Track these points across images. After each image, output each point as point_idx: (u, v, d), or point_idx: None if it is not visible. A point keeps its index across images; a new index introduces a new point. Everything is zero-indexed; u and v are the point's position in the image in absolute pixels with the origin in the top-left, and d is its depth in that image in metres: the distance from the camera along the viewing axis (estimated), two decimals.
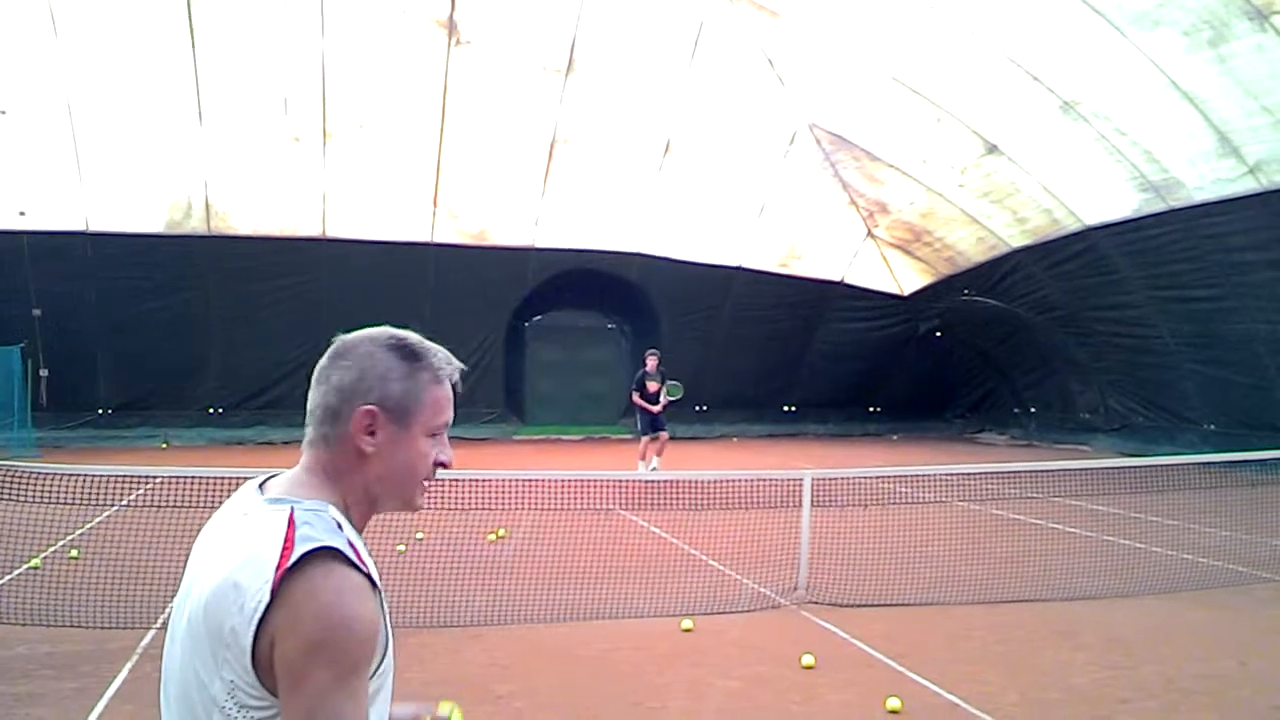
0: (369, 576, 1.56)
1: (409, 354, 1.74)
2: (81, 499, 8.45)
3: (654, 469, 15.23)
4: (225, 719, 1.52)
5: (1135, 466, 12.59)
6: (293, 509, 1.59)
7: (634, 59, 18.13)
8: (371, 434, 1.69)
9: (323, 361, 1.73)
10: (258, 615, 1.48)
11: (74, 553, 9.13)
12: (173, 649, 1.64)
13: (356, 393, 1.69)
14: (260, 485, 1.72)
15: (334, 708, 1.48)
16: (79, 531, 9.92)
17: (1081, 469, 13.14)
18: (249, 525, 1.61)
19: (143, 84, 17.05)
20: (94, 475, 8.57)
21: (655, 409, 15.77)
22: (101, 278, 19.45)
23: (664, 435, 15.94)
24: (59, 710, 5.46)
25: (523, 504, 9.79)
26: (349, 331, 1.78)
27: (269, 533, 1.55)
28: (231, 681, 1.51)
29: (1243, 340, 17.29)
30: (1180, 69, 14.13)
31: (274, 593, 1.48)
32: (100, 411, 20.77)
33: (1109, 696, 5.85)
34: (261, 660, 1.49)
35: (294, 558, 1.50)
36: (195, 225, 19.59)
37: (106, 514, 10.04)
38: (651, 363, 16.06)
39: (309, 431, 1.72)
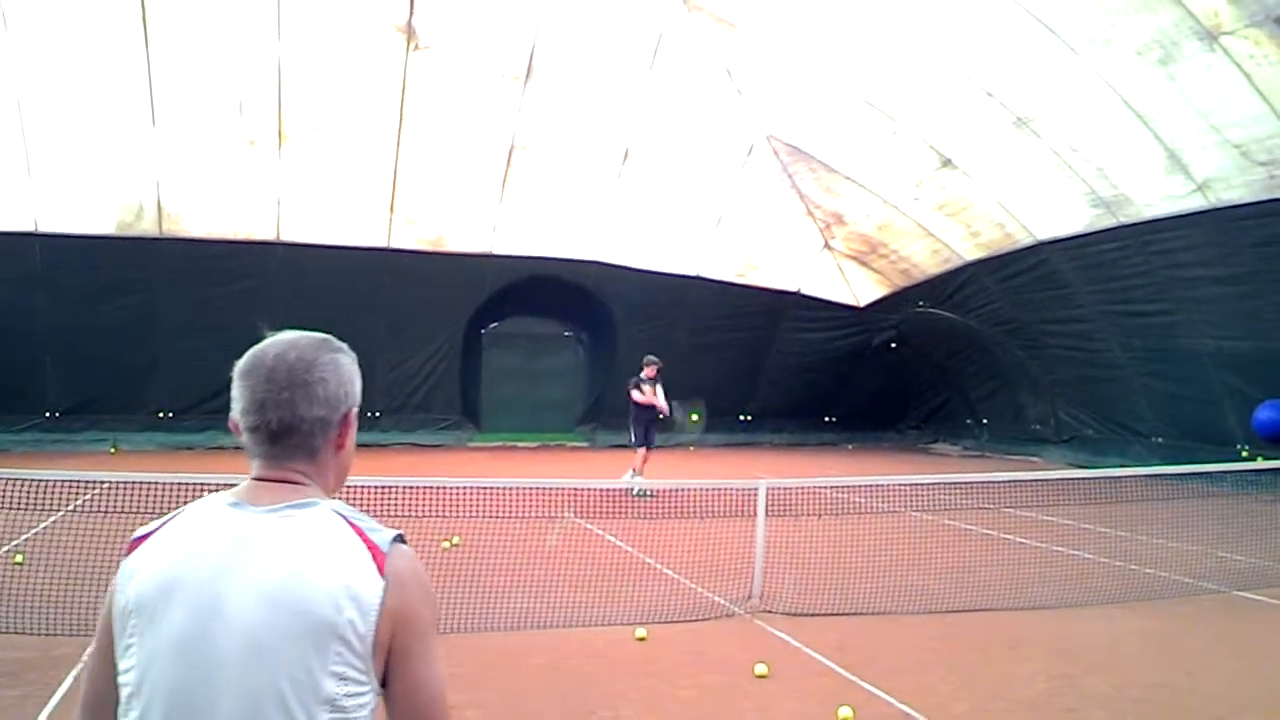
0: None
1: (351, 355, 1.87)
2: (27, 504, 8.31)
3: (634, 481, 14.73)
4: (334, 709, 1.61)
5: (1085, 478, 12.77)
6: (329, 506, 1.73)
7: (593, 67, 18.13)
8: (348, 432, 1.85)
9: (280, 378, 1.76)
10: (377, 603, 1.64)
11: (19, 558, 8.96)
12: (217, 681, 1.62)
13: (341, 400, 1.81)
14: (238, 502, 1.75)
15: (441, 669, 1.72)
16: (24, 537, 9.75)
17: (1032, 480, 13.29)
18: (294, 530, 1.69)
19: (95, 83, 16.78)
20: (40, 480, 8.44)
21: (660, 404, 15.37)
22: (50, 279, 19.12)
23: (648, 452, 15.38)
24: (3, 717, 5.36)
25: (477, 511, 9.74)
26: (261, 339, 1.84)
27: (331, 530, 1.69)
28: (344, 674, 1.61)
29: (1190, 355, 17.57)
30: (1131, 87, 14.37)
31: (384, 579, 1.65)
32: (47, 415, 20.42)
33: (1057, 705, 5.91)
34: (379, 646, 1.65)
35: (383, 545, 1.69)
36: (147, 228, 19.32)
37: (52, 519, 9.87)
38: (649, 371, 15.56)
39: (276, 449, 1.78)
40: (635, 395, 15.47)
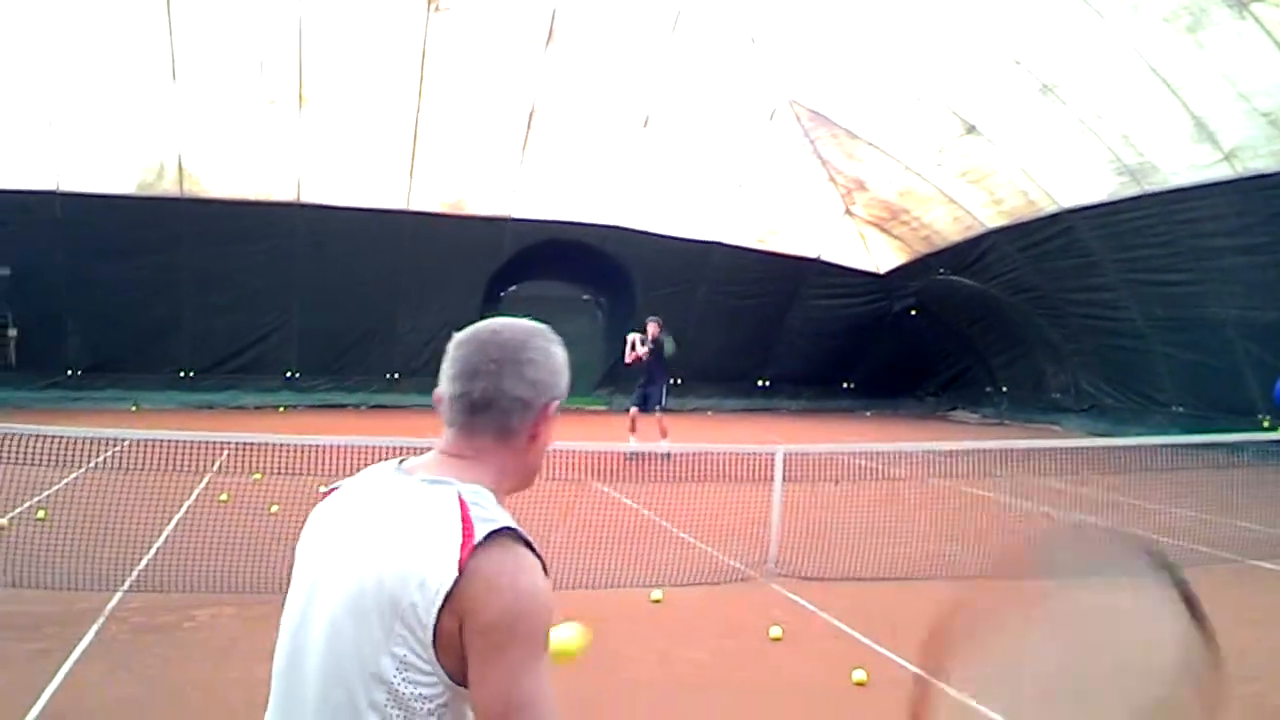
0: (541, 558, 1.65)
1: (564, 350, 1.88)
2: (49, 460, 8.39)
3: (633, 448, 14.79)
4: (389, 694, 1.58)
5: (1104, 447, 12.72)
6: (458, 488, 1.67)
7: (614, 31, 18.00)
8: (545, 423, 1.83)
9: (493, 351, 1.78)
10: (443, 593, 1.55)
11: (41, 513, 9.07)
12: (315, 629, 1.65)
13: (547, 387, 1.81)
14: (400, 466, 1.78)
15: (528, 685, 1.56)
16: (46, 493, 9.85)
17: (1051, 448, 13.25)
18: (413, 505, 1.67)
19: (116, 43, 16.76)
20: (63, 436, 8.51)
21: (641, 354, 15.75)
22: (72, 238, 19.20)
23: (662, 414, 15.54)
24: (22, 671, 5.43)
25: None
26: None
27: (440, 511, 1.64)
28: (403, 657, 1.57)
29: (1213, 325, 17.43)
30: (1159, 54, 14.17)
31: (461, 570, 1.56)
32: (70, 373, 20.58)
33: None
34: (443, 638, 1.57)
35: (479, 537, 1.59)
36: (168, 187, 19.36)
37: (74, 475, 9.97)
38: (653, 329, 15.91)
39: (472, 420, 1.78)
40: (628, 353, 15.89)
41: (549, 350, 1.82)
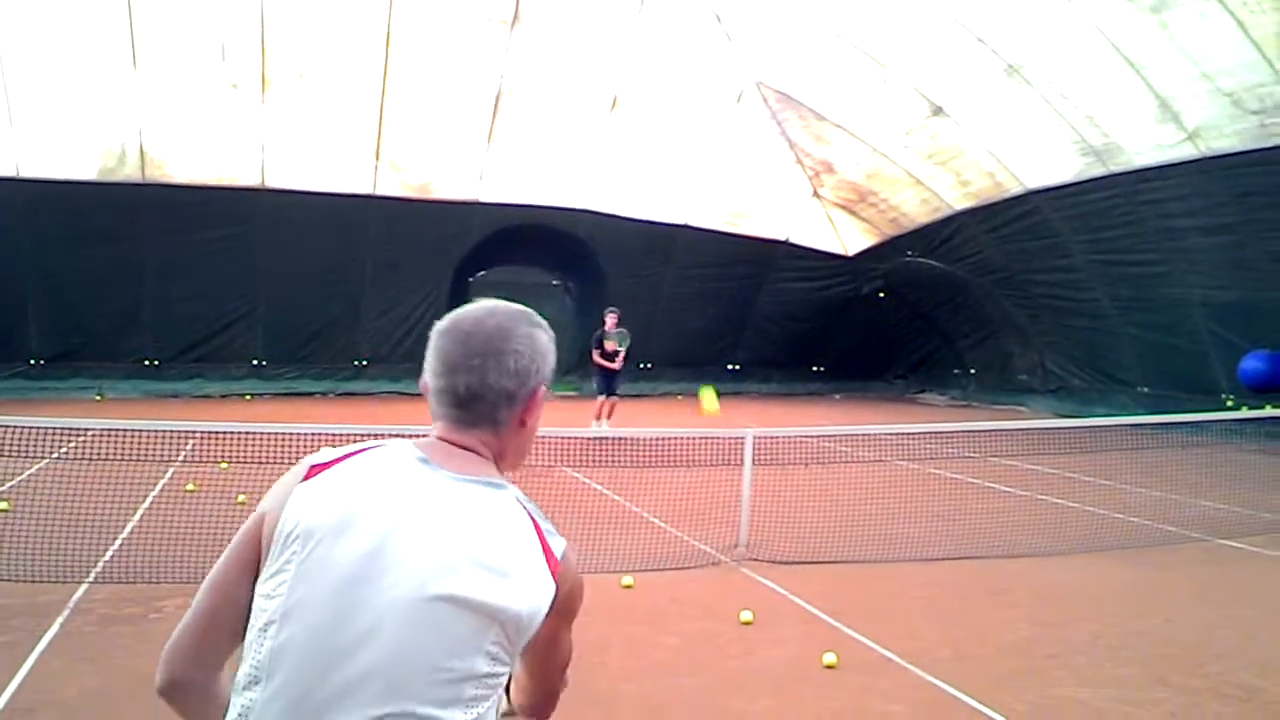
0: None
1: (549, 331, 1.88)
2: (12, 451, 8.27)
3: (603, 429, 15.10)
4: (479, 684, 1.64)
5: (1070, 428, 12.83)
6: (515, 495, 1.77)
7: (581, 11, 17.93)
8: (534, 409, 1.86)
9: (476, 345, 1.77)
10: (546, 606, 1.70)
11: (4, 505, 8.96)
12: (369, 614, 1.60)
13: (531, 374, 1.81)
14: (421, 457, 1.75)
15: (570, 646, 1.92)
16: (10, 484, 9.74)
17: (1017, 429, 13.35)
18: (479, 509, 1.71)
19: (76, 27, 16.54)
20: (25, 427, 8.41)
21: (614, 366, 15.68)
22: (33, 226, 18.96)
23: (615, 399, 15.82)
24: None
25: None
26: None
27: (515, 522, 1.73)
28: (495, 655, 1.65)
29: (1178, 305, 17.62)
30: (1123, 34, 14.26)
31: (556, 586, 1.73)
32: (32, 362, 20.34)
33: (1039, 652, 5.97)
34: (534, 637, 1.73)
35: (559, 552, 1.76)
36: (130, 173, 19.13)
37: (38, 466, 9.87)
38: (611, 320, 15.85)
39: (465, 414, 1.79)
40: (596, 358, 15.87)
41: (533, 337, 1.81)
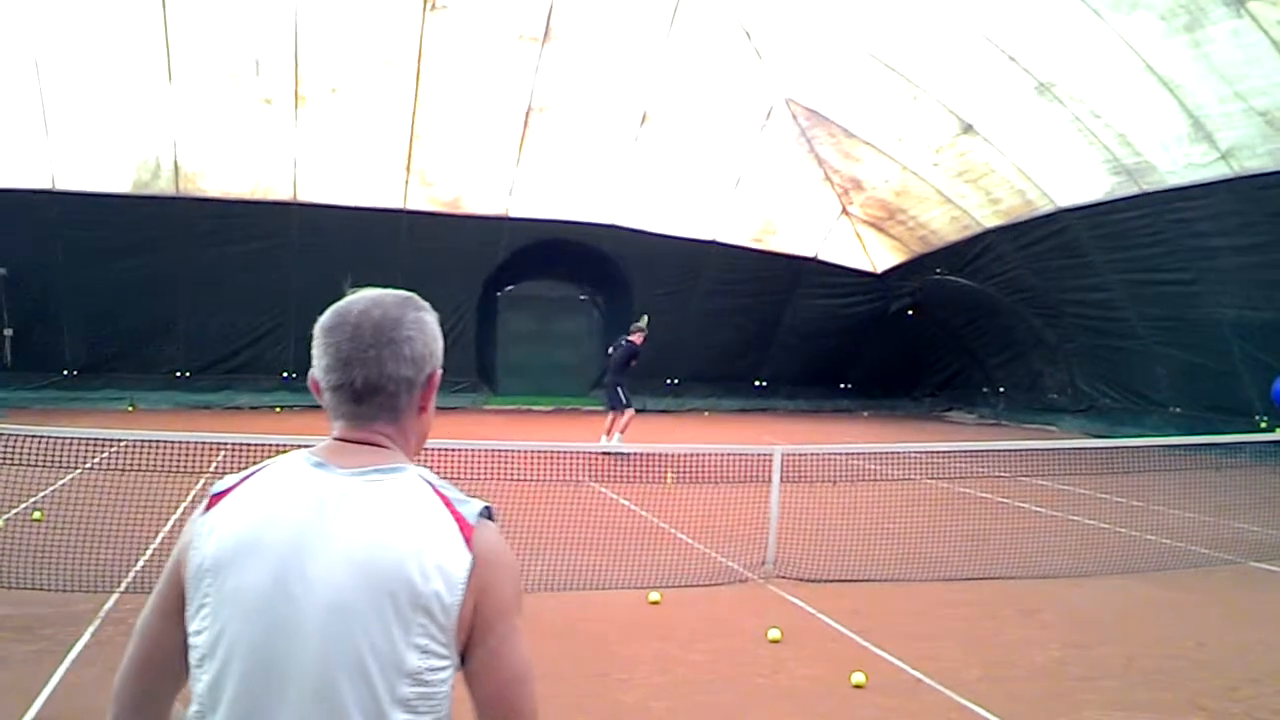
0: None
1: (434, 313, 1.82)
2: (46, 461, 8.35)
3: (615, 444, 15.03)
4: (415, 682, 1.58)
5: (1101, 448, 12.72)
6: (417, 473, 1.69)
7: (611, 28, 18.01)
8: (431, 394, 1.81)
9: (366, 335, 1.71)
10: (464, 577, 1.60)
11: (37, 514, 9.03)
12: (299, 633, 1.58)
13: (426, 359, 1.77)
14: (314, 463, 1.71)
15: (525, 652, 1.67)
16: (42, 494, 9.82)
17: (1047, 449, 13.25)
18: (381, 496, 1.65)
19: (111, 41, 16.78)
20: (59, 437, 8.48)
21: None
22: (68, 237, 19.19)
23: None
24: (18, 674, 5.41)
25: (493, 474, 9.76)
26: (339, 297, 1.80)
27: (419, 499, 1.65)
28: (426, 647, 1.58)
29: (1209, 325, 17.45)
30: (1156, 53, 14.19)
31: (472, 554, 1.61)
32: (66, 373, 20.56)
33: (1068, 674, 5.91)
34: (462, 620, 1.60)
35: (471, 519, 1.64)
36: (164, 186, 19.35)
37: (71, 476, 9.94)
38: (639, 338, 15.92)
39: (362, 408, 1.73)
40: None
41: (423, 321, 1.77)
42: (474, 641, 1.62)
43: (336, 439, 1.75)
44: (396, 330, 1.72)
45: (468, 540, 1.61)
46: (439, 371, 1.80)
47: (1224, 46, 13.44)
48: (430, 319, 1.80)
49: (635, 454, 13.96)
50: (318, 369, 1.74)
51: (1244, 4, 12.67)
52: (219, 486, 1.74)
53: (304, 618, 1.58)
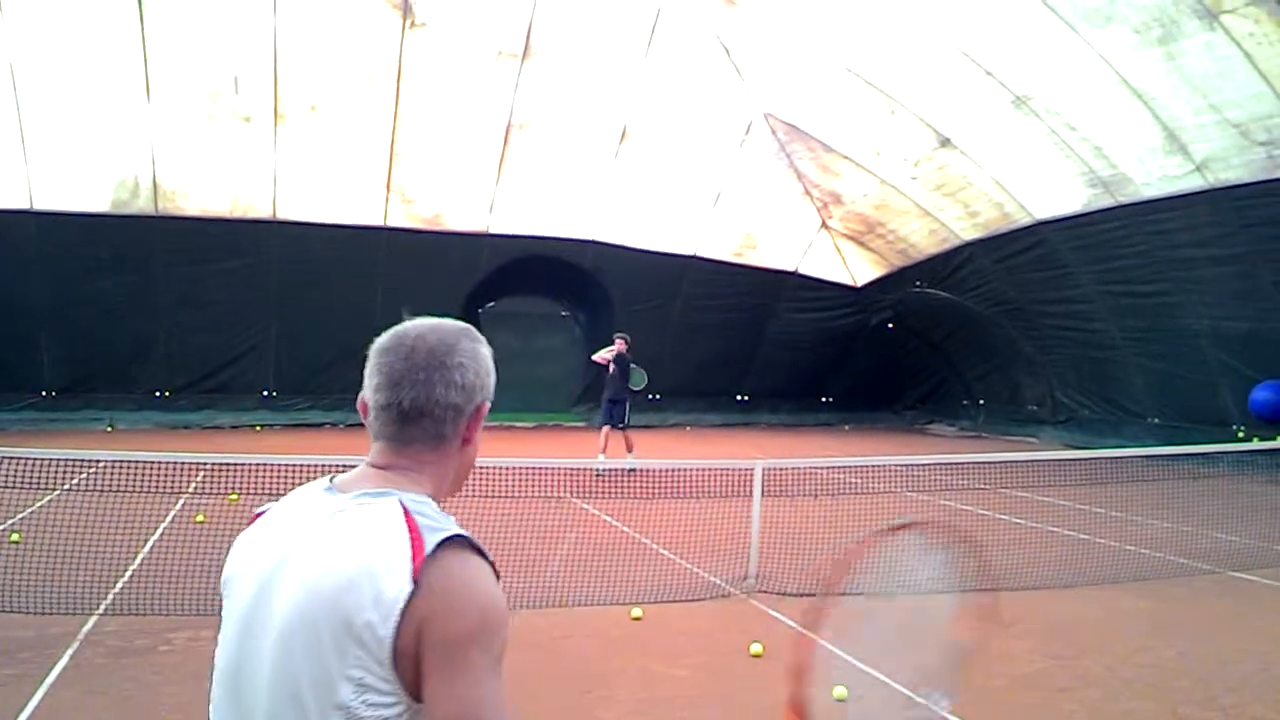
0: (493, 564, 1.61)
1: (489, 347, 1.82)
2: (23, 482, 8.30)
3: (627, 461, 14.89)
4: (348, 718, 1.51)
5: (1081, 459, 12.79)
6: (400, 499, 1.61)
7: (591, 45, 18.07)
8: (477, 426, 1.79)
9: (420, 358, 1.70)
10: (399, 607, 1.49)
11: (15, 536, 8.97)
12: (257, 661, 1.58)
13: (477, 390, 1.75)
14: (332, 485, 1.70)
15: (491, 693, 1.51)
16: (21, 515, 9.76)
17: (1028, 461, 13.31)
18: (353, 519, 1.60)
19: (89, 59, 16.69)
20: (37, 458, 8.43)
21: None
22: (46, 257, 19.04)
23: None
24: None
25: (475, 491, 9.74)
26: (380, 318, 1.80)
27: (385, 523, 1.57)
28: (361, 680, 1.50)
29: (1188, 335, 17.58)
30: (1130, 66, 14.32)
31: (415, 582, 1.50)
32: (44, 393, 20.38)
33: (1050, 685, 5.94)
34: (402, 654, 1.50)
35: (430, 546, 1.53)
36: (143, 205, 19.25)
37: (49, 498, 9.89)
38: (619, 345, 16.23)
39: (404, 431, 1.71)
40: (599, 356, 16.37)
41: (477, 352, 1.77)
42: (422, 677, 1.51)
43: (371, 465, 1.73)
44: (450, 356, 1.72)
45: (416, 568, 1.51)
46: (488, 404, 1.79)
47: (1197, 59, 13.58)
48: (485, 351, 1.80)
49: (617, 470, 13.92)
50: (368, 388, 1.73)
51: (1217, 17, 12.81)
52: (262, 507, 1.77)
53: (264, 644, 1.58)
